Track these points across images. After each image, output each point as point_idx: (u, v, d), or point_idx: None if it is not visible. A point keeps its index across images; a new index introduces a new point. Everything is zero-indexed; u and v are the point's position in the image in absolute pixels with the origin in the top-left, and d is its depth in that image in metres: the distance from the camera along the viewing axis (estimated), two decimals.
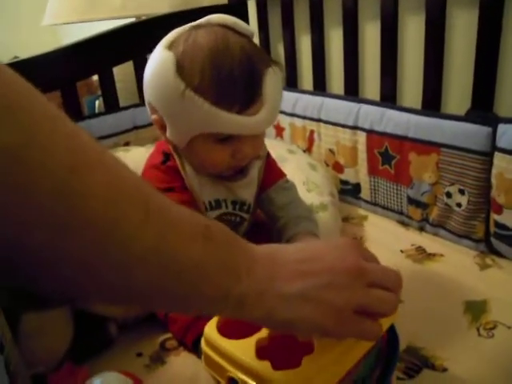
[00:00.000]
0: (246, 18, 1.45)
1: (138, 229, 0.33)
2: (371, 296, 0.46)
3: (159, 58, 0.67)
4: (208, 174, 0.77)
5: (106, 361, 0.75)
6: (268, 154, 0.85)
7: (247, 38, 0.70)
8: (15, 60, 1.15)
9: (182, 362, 0.74)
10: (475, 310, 0.77)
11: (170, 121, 0.70)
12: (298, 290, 0.43)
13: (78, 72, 1.25)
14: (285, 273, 0.43)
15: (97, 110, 1.56)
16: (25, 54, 1.11)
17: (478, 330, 0.73)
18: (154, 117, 0.73)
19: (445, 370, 0.66)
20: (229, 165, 0.73)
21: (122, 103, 1.29)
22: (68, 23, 1.45)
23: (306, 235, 0.77)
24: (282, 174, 0.87)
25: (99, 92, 1.43)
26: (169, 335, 0.79)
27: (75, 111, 1.24)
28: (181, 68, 0.65)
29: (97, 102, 1.59)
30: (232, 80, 0.65)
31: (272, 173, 0.85)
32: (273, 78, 0.69)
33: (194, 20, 0.73)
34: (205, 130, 0.68)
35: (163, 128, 0.72)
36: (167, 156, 0.77)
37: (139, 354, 0.76)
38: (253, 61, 0.67)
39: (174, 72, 0.65)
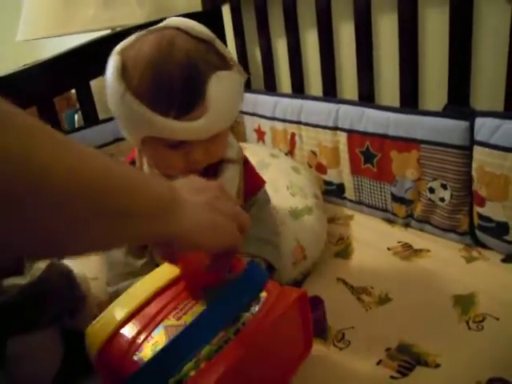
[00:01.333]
0: (220, 24, 1.45)
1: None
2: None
3: (109, 62, 0.68)
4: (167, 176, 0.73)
5: (98, 382, 0.75)
6: (246, 161, 0.85)
7: (203, 42, 0.68)
8: None
9: None
10: (464, 303, 0.77)
11: (119, 122, 0.70)
12: (200, 200, 0.50)
13: (55, 87, 1.23)
14: (186, 191, 0.50)
15: (76, 124, 1.55)
16: (1, 68, 1.10)
17: (467, 323, 0.73)
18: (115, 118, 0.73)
19: (438, 365, 0.66)
20: (184, 169, 0.70)
21: (101, 116, 1.28)
22: (41, 38, 1.44)
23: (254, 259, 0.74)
24: (262, 182, 0.87)
25: (78, 105, 1.42)
26: None
27: (53, 127, 1.23)
28: (124, 71, 0.66)
29: (76, 116, 1.58)
30: (169, 84, 0.64)
31: (252, 181, 0.84)
32: (221, 82, 0.66)
33: None
34: (146, 133, 0.67)
35: None
36: (132, 163, 0.78)
37: None
38: (196, 65, 0.65)
39: (117, 75, 0.65)
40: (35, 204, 0.33)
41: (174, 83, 0.63)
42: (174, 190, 0.47)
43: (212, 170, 0.76)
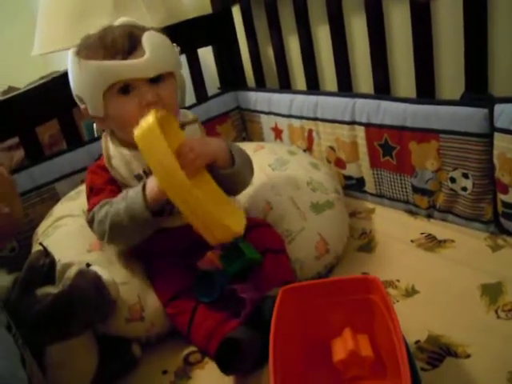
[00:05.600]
0: (231, 26, 1.46)
1: None
2: None
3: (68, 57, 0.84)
4: (134, 147, 0.78)
5: (132, 382, 0.77)
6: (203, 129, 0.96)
7: (137, 27, 0.84)
8: (15, 93, 1.17)
9: (207, 375, 0.75)
10: (492, 292, 0.77)
11: (83, 95, 0.83)
12: None
13: (73, 98, 1.25)
14: None
15: (95, 132, 1.57)
16: (18, 82, 1.13)
17: (496, 312, 0.73)
18: (82, 107, 0.86)
19: (468, 356, 0.66)
20: (140, 116, 0.76)
21: None
22: (56, 51, 1.46)
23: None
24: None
25: None
26: (192, 349, 0.80)
27: (74, 137, 1.25)
28: (78, 51, 0.82)
29: (95, 124, 1.60)
30: (112, 39, 0.80)
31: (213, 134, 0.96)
32: (152, 35, 0.81)
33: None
34: (104, 84, 0.79)
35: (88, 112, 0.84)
36: (99, 157, 0.92)
37: (164, 372, 0.77)
38: (131, 29, 0.82)
39: (73, 56, 0.82)
40: None
41: (116, 38, 0.80)
42: None
43: None
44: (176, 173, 0.68)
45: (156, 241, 0.84)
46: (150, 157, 0.71)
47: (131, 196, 0.79)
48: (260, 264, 0.83)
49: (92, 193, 0.87)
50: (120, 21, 0.87)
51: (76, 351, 0.70)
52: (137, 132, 0.72)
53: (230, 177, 0.85)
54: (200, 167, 0.81)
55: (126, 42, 0.79)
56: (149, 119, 0.71)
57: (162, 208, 0.80)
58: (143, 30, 0.83)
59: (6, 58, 2.85)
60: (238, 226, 0.76)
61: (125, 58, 0.79)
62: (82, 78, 0.81)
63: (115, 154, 0.86)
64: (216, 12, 1.45)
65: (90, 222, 0.84)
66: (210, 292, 0.79)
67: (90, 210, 0.84)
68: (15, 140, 1.51)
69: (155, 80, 0.81)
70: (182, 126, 0.87)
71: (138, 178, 0.85)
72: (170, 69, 0.83)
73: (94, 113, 0.83)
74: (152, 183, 0.76)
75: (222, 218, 0.72)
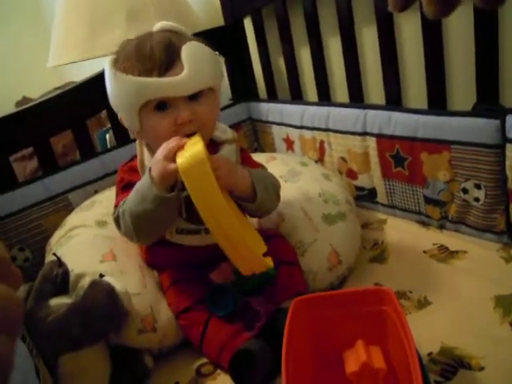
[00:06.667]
0: (243, 37, 1.47)
1: None
2: None
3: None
4: None
5: None
6: (242, 148, 0.93)
7: (176, 33, 0.82)
8: (31, 104, 1.19)
9: None
10: (505, 304, 0.76)
11: (119, 107, 0.81)
12: None
13: (88, 110, 1.28)
14: None
15: (108, 144, 1.59)
16: (32, 93, 1.14)
17: (510, 324, 0.72)
18: (119, 116, 0.84)
19: (482, 368, 0.66)
20: (175, 134, 0.77)
21: (132, 135, 1.31)
22: (71, 63, 1.48)
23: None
24: (259, 165, 0.94)
25: (109, 124, 1.46)
26: (203, 360, 0.80)
27: (88, 148, 1.27)
28: (115, 61, 0.80)
29: (107, 135, 1.62)
30: (150, 52, 0.76)
31: (249, 163, 0.92)
32: (192, 47, 0.78)
33: None
34: (140, 100, 0.76)
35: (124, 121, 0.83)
36: (132, 158, 0.90)
37: (177, 383, 0.77)
38: (170, 38, 0.78)
39: (110, 66, 0.78)
40: None
41: (153, 50, 0.76)
42: None
43: (211, 152, 0.80)
44: (224, 213, 0.66)
45: (171, 254, 0.85)
46: (196, 192, 0.67)
47: (140, 180, 0.79)
48: (275, 278, 0.83)
49: (120, 190, 0.87)
50: (159, 26, 0.83)
51: (88, 362, 0.71)
52: (182, 160, 0.68)
53: (251, 209, 0.85)
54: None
55: (163, 56, 0.76)
56: (198, 151, 0.67)
57: (172, 185, 0.77)
58: (183, 37, 0.80)
59: (21, 69, 2.90)
60: (269, 260, 0.75)
61: (162, 73, 0.76)
62: (118, 92, 0.79)
63: (149, 161, 0.84)
64: (228, 24, 1.46)
65: (116, 219, 0.83)
66: (224, 305, 0.79)
67: (116, 205, 0.85)
68: (29, 150, 1.53)
69: (193, 96, 0.78)
70: (219, 144, 0.86)
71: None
72: (209, 84, 0.80)
73: (130, 126, 0.83)
74: (156, 165, 0.75)
75: (259, 252, 0.72)
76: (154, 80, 0.75)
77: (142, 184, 0.77)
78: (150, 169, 0.76)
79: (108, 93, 0.81)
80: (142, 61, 0.76)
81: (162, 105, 0.77)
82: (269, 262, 0.74)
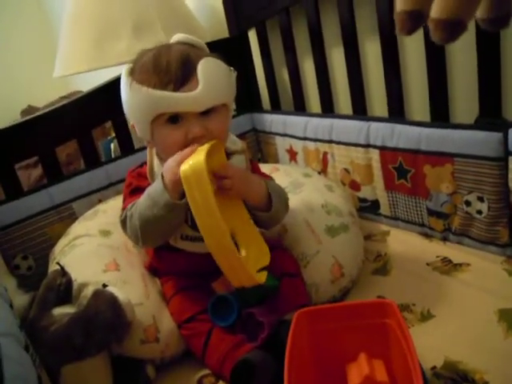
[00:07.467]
0: (247, 49, 1.48)
1: None
2: None
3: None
4: None
5: None
6: (251, 160, 0.94)
7: (194, 47, 0.83)
8: (37, 114, 1.20)
9: None
10: (509, 317, 0.76)
11: (132, 116, 0.82)
12: None
13: (93, 120, 1.29)
14: None
15: (112, 153, 1.60)
16: (37, 102, 1.15)
17: None
18: (131, 123, 0.85)
19: (486, 383, 0.65)
20: (185, 147, 0.77)
21: (136, 145, 1.32)
22: (77, 73, 1.50)
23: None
24: (268, 177, 0.94)
25: (113, 134, 1.47)
26: (206, 371, 0.80)
27: (92, 158, 1.27)
28: (132, 71, 0.80)
29: (112, 145, 1.63)
30: (167, 66, 0.77)
31: (258, 174, 0.92)
32: (209, 63, 0.78)
33: None
34: (153, 112, 0.77)
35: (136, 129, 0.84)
36: (141, 165, 0.91)
37: None
38: (188, 53, 0.79)
39: (126, 76, 0.79)
40: None
41: (170, 64, 0.77)
42: None
43: None
44: (216, 222, 0.67)
45: (177, 259, 0.85)
46: (192, 199, 0.69)
47: (153, 185, 0.79)
48: (277, 289, 0.82)
49: (129, 194, 0.88)
50: (176, 38, 0.84)
51: (91, 372, 0.71)
52: (184, 167, 0.70)
53: (265, 219, 0.85)
54: (233, 197, 0.80)
55: (179, 71, 0.76)
56: (199, 160, 0.69)
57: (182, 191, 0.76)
58: (200, 52, 0.81)
59: (26, 78, 2.92)
60: (262, 275, 0.75)
61: (177, 88, 0.76)
62: (132, 102, 0.80)
63: (158, 168, 0.85)
64: (233, 36, 1.47)
65: (123, 221, 0.83)
66: (227, 316, 0.79)
67: (123, 208, 0.85)
68: (33, 158, 1.54)
69: (206, 111, 0.79)
70: (229, 154, 0.87)
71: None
72: (222, 101, 0.81)
73: (141, 135, 0.84)
74: (169, 171, 0.76)
75: (255, 265, 0.74)
76: (168, 94, 0.76)
77: (155, 189, 0.78)
78: (162, 175, 0.77)
79: (122, 100, 0.82)
80: (158, 74, 0.77)
81: (174, 118, 0.78)
82: (261, 277, 0.74)
